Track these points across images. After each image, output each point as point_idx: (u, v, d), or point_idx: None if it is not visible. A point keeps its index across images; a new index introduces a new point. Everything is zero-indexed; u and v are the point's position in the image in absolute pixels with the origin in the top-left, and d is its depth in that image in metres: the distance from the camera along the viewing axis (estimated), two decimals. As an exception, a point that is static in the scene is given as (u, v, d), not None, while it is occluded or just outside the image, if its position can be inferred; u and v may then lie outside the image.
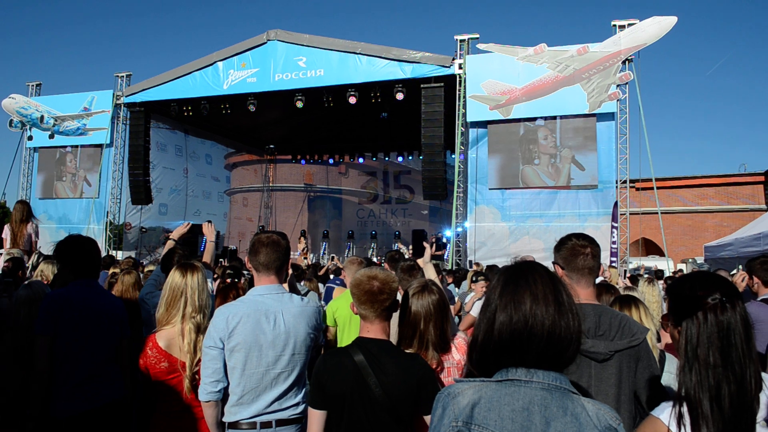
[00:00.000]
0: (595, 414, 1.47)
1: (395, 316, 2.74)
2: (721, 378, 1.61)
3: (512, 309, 1.53)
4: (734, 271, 7.26)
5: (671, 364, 3.14)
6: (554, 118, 14.05)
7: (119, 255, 17.75)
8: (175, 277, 3.32)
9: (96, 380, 3.29)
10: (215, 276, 6.00)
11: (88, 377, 3.26)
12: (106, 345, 3.40)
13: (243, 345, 2.79)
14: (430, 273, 4.40)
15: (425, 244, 5.16)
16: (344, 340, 4.16)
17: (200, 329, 3.21)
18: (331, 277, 9.36)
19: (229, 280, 4.39)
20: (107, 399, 3.31)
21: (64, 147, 19.67)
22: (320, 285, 8.10)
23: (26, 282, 4.22)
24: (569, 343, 1.52)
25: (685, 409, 1.63)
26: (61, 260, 3.63)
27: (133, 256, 16.06)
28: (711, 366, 1.63)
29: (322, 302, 6.57)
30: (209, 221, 4.71)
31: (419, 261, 4.71)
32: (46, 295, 3.47)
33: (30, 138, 19.96)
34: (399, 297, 2.98)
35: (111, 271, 7.03)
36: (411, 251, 14.75)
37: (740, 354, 1.63)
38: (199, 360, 3.14)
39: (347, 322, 4.21)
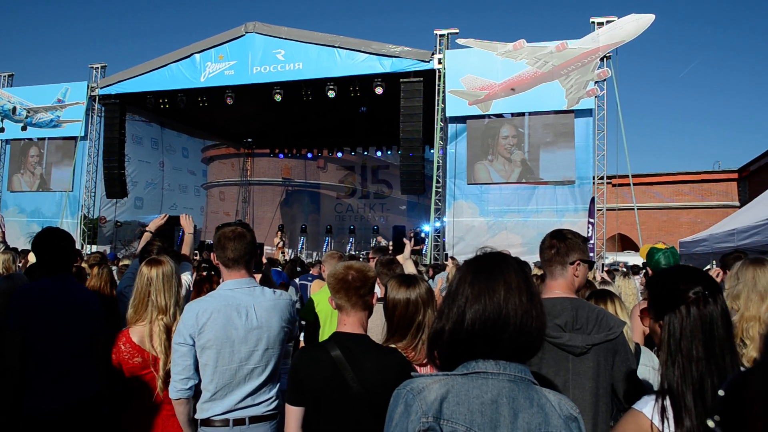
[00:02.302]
0: (558, 404, 1.48)
1: (377, 313, 2.71)
2: (705, 371, 1.62)
3: (486, 298, 1.49)
4: (708, 267, 7.36)
5: (647, 357, 3.16)
6: (532, 113, 14.14)
7: (94, 249, 17.50)
8: (141, 277, 3.24)
9: (70, 376, 3.22)
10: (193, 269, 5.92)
11: (62, 373, 3.19)
12: (80, 341, 3.31)
13: (214, 341, 2.72)
14: (410, 269, 4.40)
15: (405, 240, 5.14)
16: (325, 335, 4.13)
17: (170, 330, 3.14)
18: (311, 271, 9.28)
19: (204, 273, 4.33)
20: (81, 396, 3.24)
21: (39, 139, 19.33)
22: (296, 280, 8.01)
23: (7, 274, 4.15)
24: (538, 333, 1.52)
25: (668, 402, 1.63)
26: (36, 253, 3.56)
27: (108, 250, 15.85)
28: (694, 359, 1.63)
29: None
30: (187, 214, 4.65)
31: (399, 257, 4.70)
32: (18, 288, 3.39)
33: (1, 130, 19.57)
34: (379, 291, 2.96)
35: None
36: (391, 247, 14.74)
37: (722, 347, 1.64)
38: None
39: (328, 317, 4.18)
